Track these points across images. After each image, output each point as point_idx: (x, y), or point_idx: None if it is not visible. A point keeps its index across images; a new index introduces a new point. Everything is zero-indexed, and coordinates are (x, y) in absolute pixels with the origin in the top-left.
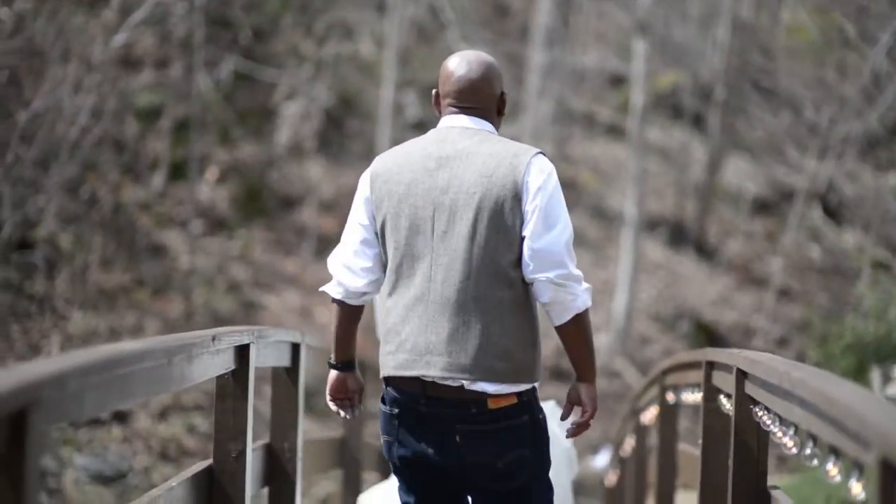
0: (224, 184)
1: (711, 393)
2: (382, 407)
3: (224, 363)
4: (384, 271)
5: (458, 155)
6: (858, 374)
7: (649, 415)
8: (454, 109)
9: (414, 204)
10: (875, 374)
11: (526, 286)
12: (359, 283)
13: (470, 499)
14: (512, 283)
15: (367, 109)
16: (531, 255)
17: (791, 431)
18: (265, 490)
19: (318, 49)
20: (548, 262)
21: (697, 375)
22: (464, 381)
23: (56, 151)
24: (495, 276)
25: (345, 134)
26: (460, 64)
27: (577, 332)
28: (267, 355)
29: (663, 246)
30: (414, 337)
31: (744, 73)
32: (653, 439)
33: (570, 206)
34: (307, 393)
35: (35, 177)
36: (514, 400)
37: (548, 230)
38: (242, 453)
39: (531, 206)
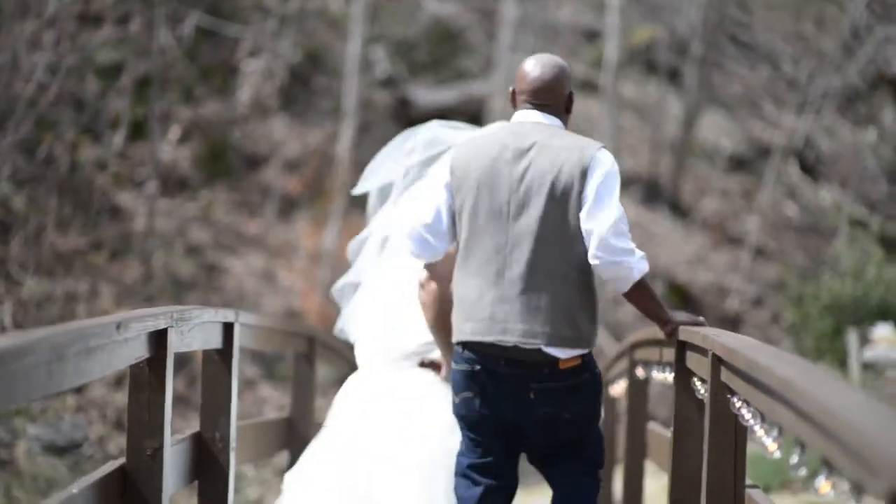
0: (186, 143)
1: (684, 376)
2: (461, 367)
3: (135, 352)
4: (448, 245)
5: (533, 147)
6: (835, 336)
7: (618, 388)
8: (528, 106)
9: (491, 190)
10: (852, 337)
11: (588, 265)
12: (436, 247)
13: (529, 458)
14: (577, 262)
15: (334, 66)
16: (590, 235)
17: (774, 432)
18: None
19: (283, 3)
20: (598, 244)
21: (669, 354)
22: (541, 346)
23: (11, 110)
24: (562, 255)
25: (311, 91)
26: (535, 66)
27: (639, 296)
28: (192, 338)
29: (637, 204)
30: (491, 307)
31: (721, 27)
32: (622, 411)
33: None
34: (270, 360)
35: None
36: (579, 361)
37: (598, 212)
38: (159, 451)
39: (588, 192)
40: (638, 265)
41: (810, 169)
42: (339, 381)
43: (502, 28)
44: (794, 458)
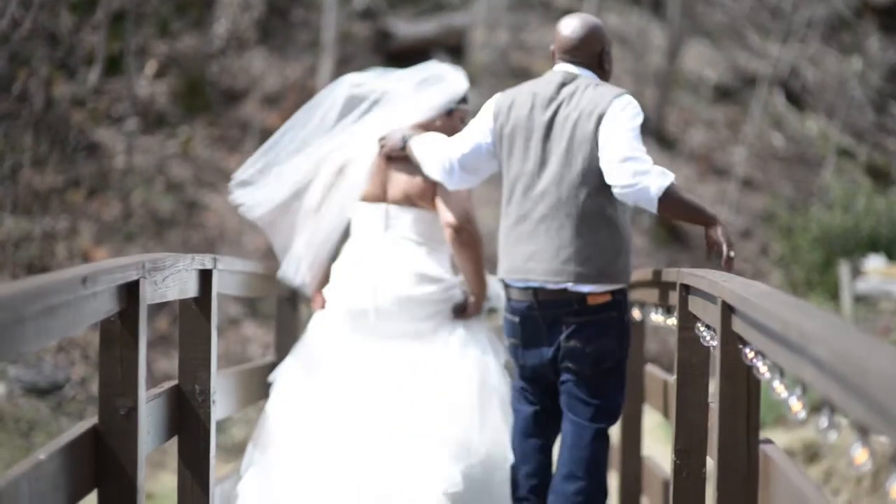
0: (163, 78)
1: (687, 320)
2: (505, 314)
3: (104, 307)
4: (475, 182)
5: (563, 95)
6: (825, 268)
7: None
8: (563, 60)
9: (525, 137)
10: (843, 269)
11: (612, 202)
12: (463, 181)
13: (560, 384)
14: (599, 200)
15: None
16: (606, 169)
17: (798, 391)
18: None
19: None
20: (610, 175)
21: (670, 296)
22: (567, 285)
23: None
24: (585, 194)
25: (289, 24)
26: (567, 25)
27: (672, 207)
28: (167, 288)
29: None
30: (522, 246)
31: None
32: None
33: None
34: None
35: None
36: (609, 298)
37: (607, 145)
38: (134, 410)
39: (602, 132)
40: (656, 181)
41: (796, 98)
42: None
43: None
44: (823, 421)
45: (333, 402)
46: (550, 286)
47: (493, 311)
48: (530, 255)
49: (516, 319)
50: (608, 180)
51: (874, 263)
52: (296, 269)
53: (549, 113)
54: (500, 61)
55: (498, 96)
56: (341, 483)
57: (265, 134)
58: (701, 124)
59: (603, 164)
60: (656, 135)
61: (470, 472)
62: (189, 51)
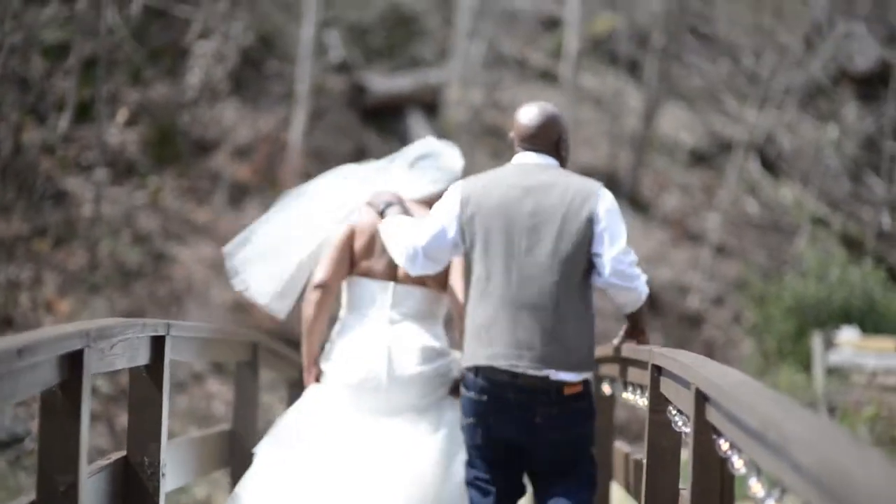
0: (134, 127)
1: (658, 403)
2: (469, 394)
3: (44, 378)
4: (437, 268)
5: (540, 186)
6: (798, 338)
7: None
8: (523, 148)
9: (504, 225)
10: (816, 340)
11: (591, 293)
12: (427, 266)
13: (527, 474)
14: (583, 291)
15: (287, 49)
16: (606, 265)
17: (777, 493)
18: None
19: None
20: (618, 272)
21: (641, 375)
22: (549, 372)
23: None
24: (570, 285)
25: (263, 75)
26: (526, 114)
27: (639, 315)
28: (115, 356)
29: None
30: (506, 335)
31: (682, 19)
32: None
33: (501, 154)
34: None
35: None
36: (581, 388)
37: (613, 244)
38: (74, 486)
39: (600, 228)
40: (646, 289)
41: (771, 165)
42: (288, 385)
43: (460, 14)
44: None
45: (333, 475)
46: (534, 373)
47: None
48: (516, 341)
49: (484, 398)
50: (609, 276)
51: (847, 335)
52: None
53: (530, 203)
54: (474, 120)
55: (463, 184)
56: None
57: (236, 186)
58: (675, 188)
59: (605, 260)
60: (630, 197)
61: None
62: (161, 99)
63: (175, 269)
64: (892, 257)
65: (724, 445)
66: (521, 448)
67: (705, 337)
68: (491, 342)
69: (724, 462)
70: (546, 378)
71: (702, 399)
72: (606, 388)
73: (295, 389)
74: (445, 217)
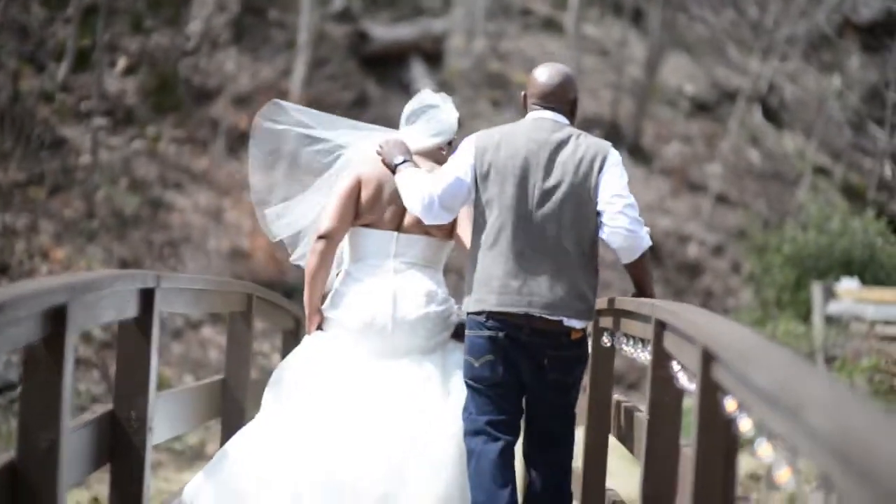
0: (134, 75)
1: (661, 359)
2: (482, 332)
3: (26, 334)
4: (450, 218)
5: (554, 141)
6: (797, 288)
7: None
8: (539, 107)
9: (519, 176)
10: (816, 290)
11: (597, 246)
12: (442, 217)
13: (528, 407)
14: (591, 241)
15: None
16: (608, 210)
17: (786, 457)
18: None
19: None
20: (617, 218)
21: (643, 329)
22: (563, 318)
23: None
24: (579, 235)
25: (264, 24)
26: (544, 73)
27: (642, 265)
28: (102, 310)
29: None
30: (519, 281)
31: None
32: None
33: (503, 104)
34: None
35: None
36: (582, 333)
37: (616, 194)
38: (56, 443)
39: (606, 179)
40: (646, 238)
41: (774, 115)
42: (283, 333)
43: None
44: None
45: (340, 416)
46: (548, 317)
47: None
48: (530, 288)
49: (499, 334)
50: (611, 221)
51: (847, 286)
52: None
53: (545, 156)
54: (476, 69)
55: (478, 136)
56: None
57: (233, 135)
58: (677, 138)
59: (608, 207)
60: (631, 147)
61: None
62: (161, 48)
63: (173, 217)
64: (893, 208)
65: (730, 405)
66: (524, 388)
67: (704, 286)
68: (504, 289)
69: (729, 422)
70: (560, 322)
71: (709, 357)
72: (606, 340)
73: (290, 338)
74: (461, 168)
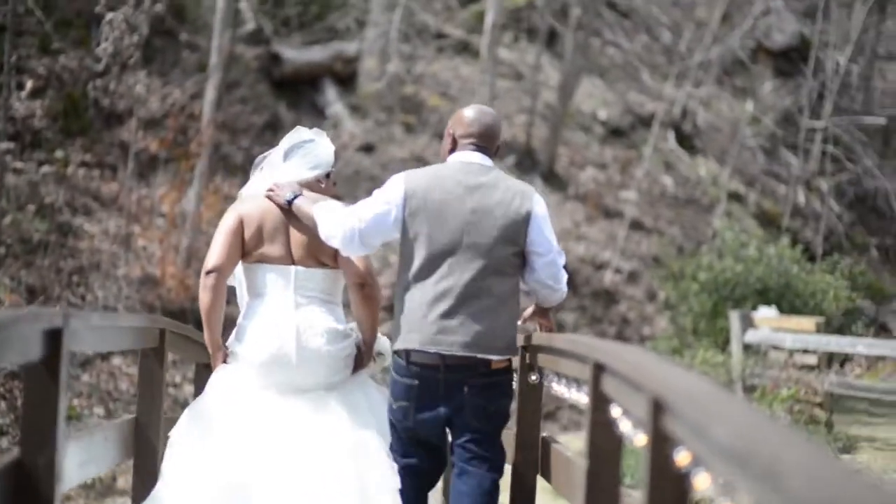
0: (41, 98)
1: (600, 403)
2: (400, 378)
3: None
4: (368, 251)
5: (482, 186)
6: (714, 316)
7: None
8: (471, 147)
9: (447, 220)
10: (734, 318)
11: (518, 285)
12: (361, 249)
13: (451, 439)
14: (513, 284)
15: (200, 19)
16: (541, 266)
17: None
18: None
19: None
20: (551, 275)
21: (578, 369)
22: (477, 354)
23: None
24: (503, 278)
25: (174, 46)
26: (475, 114)
27: (552, 309)
28: (5, 352)
29: (510, 173)
30: (441, 320)
31: None
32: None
33: (416, 129)
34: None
35: None
36: (506, 364)
37: (548, 251)
38: None
39: (534, 230)
40: (565, 289)
41: (688, 141)
42: (196, 366)
43: None
44: None
45: (246, 457)
46: (461, 353)
47: (378, 354)
48: (446, 328)
49: (415, 382)
50: (541, 274)
51: (765, 314)
52: None
53: (472, 201)
54: (390, 92)
55: (407, 176)
56: None
57: (143, 159)
58: (591, 164)
59: (541, 262)
60: (546, 174)
61: None
62: (70, 70)
63: (82, 244)
64: (806, 235)
65: (683, 459)
66: (448, 421)
67: (620, 313)
68: (423, 328)
69: (682, 476)
70: (474, 357)
71: (659, 407)
72: (533, 377)
73: (202, 370)
74: (387, 206)
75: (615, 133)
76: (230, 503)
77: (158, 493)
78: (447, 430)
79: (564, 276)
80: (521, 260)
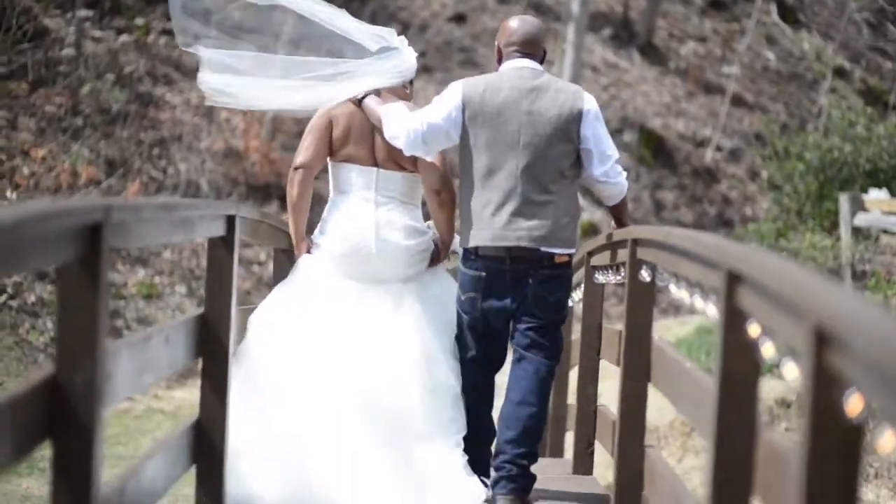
0: None
1: (735, 320)
2: (469, 271)
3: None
4: (432, 153)
5: (536, 88)
6: (820, 199)
7: (576, 295)
8: (518, 55)
9: (505, 122)
10: (843, 199)
11: (577, 182)
12: (426, 151)
13: (513, 327)
14: (570, 180)
15: None
16: (594, 162)
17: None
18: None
19: None
20: (606, 171)
21: (703, 274)
22: (541, 247)
23: None
24: (560, 174)
25: None
26: (520, 24)
27: (622, 206)
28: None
29: (607, 46)
30: (505, 218)
31: None
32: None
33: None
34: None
35: None
36: (567, 259)
37: (602, 146)
38: None
39: (586, 127)
40: (625, 183)
41: (791, 14)
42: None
43: None
44: None
45: (328, 340)
46: (525, 244)
47: (453, 253)
48: (511, 224)
49: (483, 274)
50: (600, 175)
51: (876, 196)
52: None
53: (527, 102)
54: None
55: (465, 83)
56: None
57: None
58: (691, 37)
59: (594, 157)
60: (643, 46)
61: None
62: None
63: (163, 115)
64: None
65: (855, 406)
66: (509, 311)
67: (721, 193)
68: (490, 225)
69: (852, 427)
70: (538, 250)
71: (824, 338)
72: (646, 275)
73: (280, 255)
74: (448, 112)
75: (716, 5)
76: (305, 383)
77: (246, 348)
78: (509, 322)
79: (621, 172)
80: (578, 158)
